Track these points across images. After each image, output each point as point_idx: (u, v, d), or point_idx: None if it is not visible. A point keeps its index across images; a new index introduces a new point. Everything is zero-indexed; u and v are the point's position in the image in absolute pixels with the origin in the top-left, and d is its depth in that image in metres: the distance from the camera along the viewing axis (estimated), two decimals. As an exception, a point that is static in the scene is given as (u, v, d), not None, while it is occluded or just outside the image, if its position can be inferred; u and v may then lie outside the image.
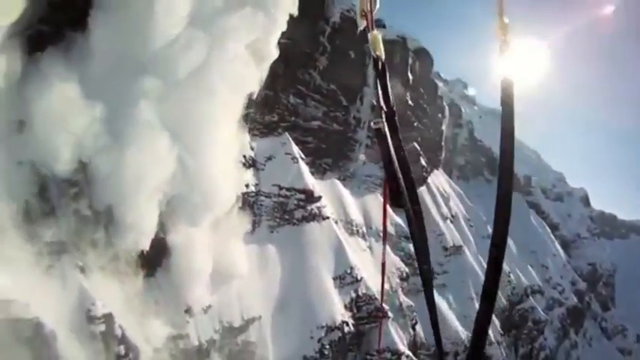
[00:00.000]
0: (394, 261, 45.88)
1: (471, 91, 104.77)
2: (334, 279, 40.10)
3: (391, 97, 2.50)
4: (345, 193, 46.97)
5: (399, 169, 2.27)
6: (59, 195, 27.74)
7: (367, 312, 40.44)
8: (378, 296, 41.07)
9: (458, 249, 55.72)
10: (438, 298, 49.05)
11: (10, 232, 25.15)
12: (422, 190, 56.20)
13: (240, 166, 37.96)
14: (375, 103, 2.50)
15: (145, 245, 29.94)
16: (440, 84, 74.26)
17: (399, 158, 2.31)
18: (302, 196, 41.83)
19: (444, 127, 66.07)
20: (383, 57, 2.58)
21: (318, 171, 46.04)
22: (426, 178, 57.92)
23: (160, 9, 28.19)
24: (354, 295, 39.64)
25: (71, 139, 26.67)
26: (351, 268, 40.51)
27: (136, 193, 28.53)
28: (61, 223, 27.69)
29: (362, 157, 49.36)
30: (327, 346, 36.37)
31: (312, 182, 42.71)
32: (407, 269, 46.15)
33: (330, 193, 45.31)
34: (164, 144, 29.22)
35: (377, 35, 2.58)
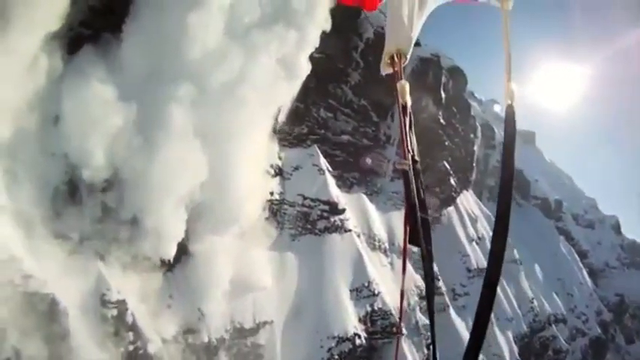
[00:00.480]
0: (414, 279, 45.64)
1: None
2: (351, 291, 40.27)
3: (415, 144, 2.66)
4: (371, 208, 47.09)
5: (418, 211, 2.49)
6: (88, 188, 28.74)
7: (381, 327, 40.43)
8: (394, 312, 41.10)
9: (482, 271, 54.92)
10: (457, 320, 48.58)
11: (37, 216, 26.34)
12: (450, 210, 55.86)
13: (268, 177, 38.60)
14: (402, 147, 2.66)
15: (169, 254, 30.72)
16: (473, 104, 73.66)
17: (419, 200, 2.51)
18: (326, 208, 42.21)
19: (475, 148, 65.39)
20: (409, 104, 2.72)
21: (345, 184, 46.33)
22: (455, 198, 57.45)
23: (194, 20, 28.96)
24: (369, 309, 39.69)
25: (103, 138, 27.61)
26: (369, 281, 40.62)
27: (163, 198, 29.28)
28: (86, 213, 28.78)
29: (390, 173, 49.40)
30: (337, 357, 36.53)
31: (337, 194, 43.02)
32: (426, 288, 45.77)
33: (356, 207, 45.51)
34: (194, 151, 29.81)
35: (405, 84, 2.73)
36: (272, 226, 39.37)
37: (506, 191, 2.26)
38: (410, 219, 2.55)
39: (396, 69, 2.81)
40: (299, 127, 42.78)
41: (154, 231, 29.44)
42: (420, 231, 2.52)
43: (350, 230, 42.82)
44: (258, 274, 36.06)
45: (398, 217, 47.35)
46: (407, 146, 2.63)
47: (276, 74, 33.31)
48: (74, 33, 28.27)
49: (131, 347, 29.63)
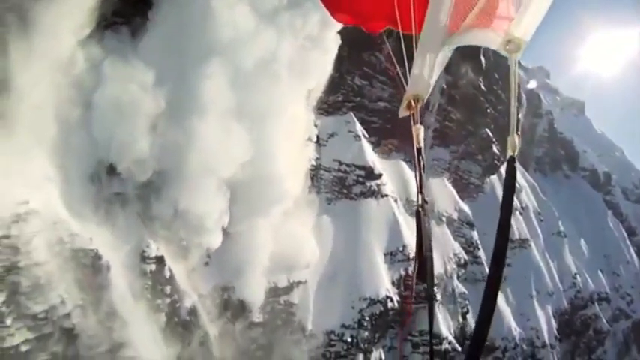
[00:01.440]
0: (453, 247, 45.12)
1: (553, 81, 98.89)
2: (385, 254, 40.24)
3: (427, 185, 2.80)
4: (410, 174, 46.48)
5: (427, 249, 2.63)
6: (126, 175, 29.54)
7: (415, 292, 40.32)
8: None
9: (524, 242, 53.72)
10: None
11: (81, 180, 27.71)
12: (493, 178, 54.37)
13: (307, 150, 38.40)
14: (416, 190, 2.85)
15: (213, 245, 31.50)
16: (519, 71, 70.89)
17: (428, 238, 2.67)
18: (362, 173, 42.04)
19: (520, 116, 63.31)
20: (423, 148, 2.89)
21: (384, 151, 45.88)
22: (498, 166, 55.94)
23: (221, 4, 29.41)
24: (403, 272, 39.53)
25: (141, 124, 28.27)
26: (404, 246, 40.37)
27: (204, 183, 29.75)
28: (128, 183, 29.81)
29: (429, 140, 48.53)
30: (367, 318, 36.70)
31: (372, 160, 42.71)
32: (466, 256, 45.17)
33: (394, 173, 45.06)
34: (232, 131, 29.94)
35: (420, 129, 2.90)
36: (312, 195, 39.49)
37: (503, 240, 2.29)
38: (419, 256, 2.69)
39: (412, 112, 2.98)
40: (334, 96, 42.39)
41: (197, 220, 30.21)
42: (427, 269, 2.64)
43: (387, 195, 42.51)
44: (302, 253, 36.33)
45: (438, 184, 46.63)
46: (420, 188, 2.81)
47: (306, 50, 32.97)
48: (108, 22, 29.34)
49: (168, 300, 30.89)
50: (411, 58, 3.19)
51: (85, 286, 26.88)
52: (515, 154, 2.53)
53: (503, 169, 55.30)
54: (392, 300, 38.71)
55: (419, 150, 2.91)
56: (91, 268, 27.17)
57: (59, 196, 26.48)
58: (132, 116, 28.21)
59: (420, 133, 2.91)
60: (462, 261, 44.86)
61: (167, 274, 30.84)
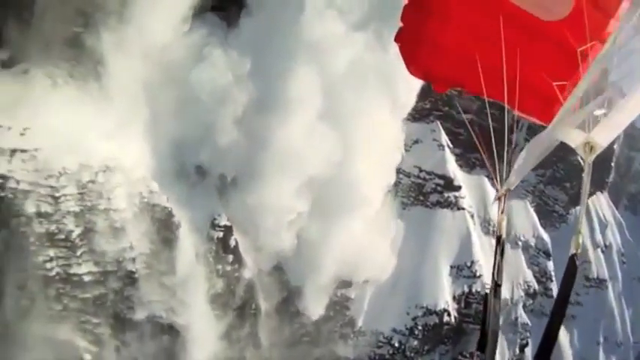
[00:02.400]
0: (524, 274, 42.67)
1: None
2: (452, 267, 39.09)
3: (502, 271, 2.94)
4: (491, 192, 44.49)
5: (492, 326, 2.83)
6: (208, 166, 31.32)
7: (475, 311, 38.67)
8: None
9: (601, 283, 49.28)
10: (562, 331, 44.57)
11: (168, 149, 29.79)
12: (579, 209, 50.63)
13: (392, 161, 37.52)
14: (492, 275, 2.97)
15: (286, 249, 32.08)
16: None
17: (495, 316, 2.85)
18: (440, 182, 40.95)
19: (616, 147, 58.17)
20: (504, 237, 3.03)
21: (467, 164, 44.25)
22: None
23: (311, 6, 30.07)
24: (466, 289, 38.08)
25: (228, 110, 29.53)
26: (472, 262, 38.88)
27: (283, 179, 30.17)
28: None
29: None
30: (420, 327, 35.80)
31: (453, 170, 41.42)
32: (537, 286, 42.49)
33: (475, 188, 43.34)
34: (318, 132, 30.31)
35: (503, 220, 3.08)
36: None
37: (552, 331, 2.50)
38: (482, 329, 2.90)
39: (501, 204, 3.25)
40: (422, 102, 41.34)
41: (271, 217, 31.00)
42: (489, 344, 2.87)
43: (463, 208, 41.11)
44: (376, 267, 35.78)
45: (519, 206, 44.11)
46: (496, 272, 2.93)
47: (393, 59, 32.60)
48: (205, 9, 31.02)
49: (229, 267, 32.25)
50: (499, 140, 3.61)
51: (154, 238, 28.88)
52: (579, 251, 2.56)
53: (591, 202, 51.54)
54: (449, 314, 37.45)
55: (499, 238, 3.03)
56: (162, 222, 29.35)
57: (146, 158, 28.74)
58: (222, 103, 29.54)
59: (503, 222, 3.06)
60: (532, 290, 42.27)
61: (232, 243, 32.22)
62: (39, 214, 25.17)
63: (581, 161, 2.91)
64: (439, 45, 3.84)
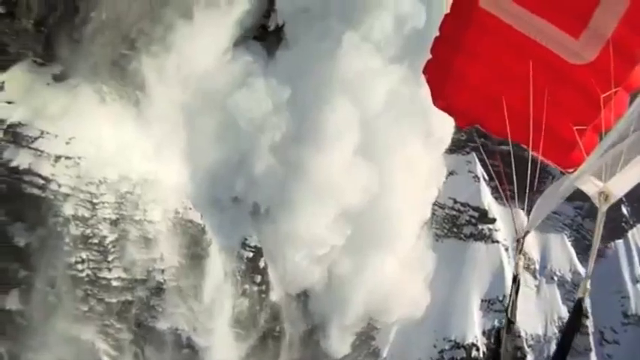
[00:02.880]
0: (559, 310, 41.01)
1: None
2: (482, 301, 38.17)
3: (517, 309, 3.19)
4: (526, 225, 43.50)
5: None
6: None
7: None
8: (525, 336, 37.93)
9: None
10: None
11: (205, 172, 30.80)
12: (618, 243, 48.32)
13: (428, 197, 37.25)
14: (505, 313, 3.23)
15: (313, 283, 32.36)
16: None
17: (506, 352, 3.06)
18: (475, 214, 40.40)
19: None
20: (520, 277, 3.22)
21: (503, 197, 43.70)
22: (626, 230, 49.43)
23: (347, 42, 30.77)
24: (497, 324, 36.87)
25: (266, 139, 30.38)
26: (505, 296, 37.62)
27: (317, 210, 30.25)
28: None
29: None
30: (446, 360, 34.80)
31: (488, 203, 40.77)
32: (573, 324, 40.73)
33: (510, 222, 42.47)
34: (353, 164, 30.52)
35: (520, 260, 3.26)
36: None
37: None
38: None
39: (519, 245, 3.39)
40: (458, 134, 41.27)
41: (303, 248, 31.14)
42: None
43: (497, 242, 40.30)
44: (409, 303, 34.86)
45: (556, 240, 42.72)
46: (509, 310, 3.18)
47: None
48: (247, 37, 32.47)
49: (255, 288, 32.43)
50: (521, 177, 3.87)
51: (185, 252, 29.71)
52: (585, 296, 2.73)
53: (630, 234, 49.12)
54: (477, 349, 36.25)
55: (515, 277, 3.23)
56: (194, 238, 30.14)
57: (183, 179, 29.88)
58: (260, 131, 30.32)
59: (520, 262, 3.24)
60: (563, 326, 40.43)
61: (261, 265, 32.47)
62: (76, 217, 26.41)
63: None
64: (465, 80, 3.85)
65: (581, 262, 42.14)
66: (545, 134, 3.35)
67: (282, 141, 30.25)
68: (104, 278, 27.40)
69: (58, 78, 27.15)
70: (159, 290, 28.69)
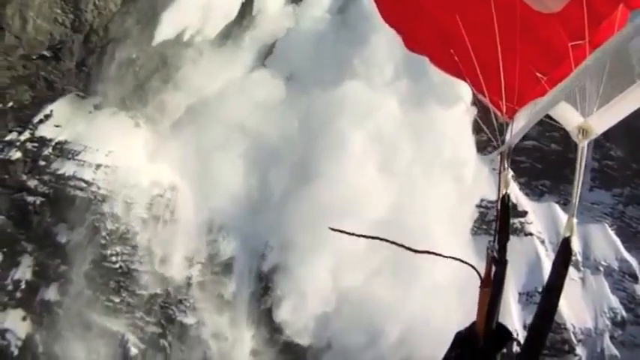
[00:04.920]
0: (609, 300, 38.03)
1: None
2: (520, 294, 36.80)
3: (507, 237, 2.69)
4: (564, 217, 41.70)
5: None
6: None
7: (550, 341, 35.02)
8: (571, 328, 35.53)
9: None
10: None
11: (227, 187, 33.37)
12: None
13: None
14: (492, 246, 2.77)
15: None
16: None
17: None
18: (504, 209, 39.89)
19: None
20: (510, 194, 2.87)
21: (534, 193, 42.48)
22: None
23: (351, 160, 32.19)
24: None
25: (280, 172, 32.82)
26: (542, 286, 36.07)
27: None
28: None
29: (587, 181, 43.11)
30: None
31: (517, 196, 40.12)
32: (625, 314, 37.39)
33: (545, 216, 41.00)
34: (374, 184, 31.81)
35: (508, 175, 2.92)
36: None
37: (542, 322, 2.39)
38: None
39: (503, 160, 3.03)
40: (478, 135, 41.81)
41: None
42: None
43: (531, 234, 39.02)
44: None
45: (597, 230, 40.26)
46: (500, 236, 2.80)
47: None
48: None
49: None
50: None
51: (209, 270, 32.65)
52: (573, 235, 2.53)
53: None
54: (518, 343, 34.44)
55: (503, 197, 2.86)
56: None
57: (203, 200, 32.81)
58: (274, 163, 32.86)
59: (509, 180, 2.89)
60: (619, 319, 37.10)
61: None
62: (112, 215, 30.72)
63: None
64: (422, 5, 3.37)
65: (627, 250, 39.32)
66: (493, 73, 2.97)
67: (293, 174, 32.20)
68: (136, 270, 30.65)
69: (98, 107, 32.57)
70: (188, 285, 31.27)
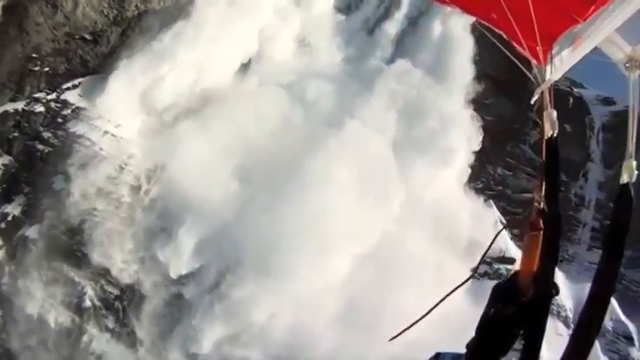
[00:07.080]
0: (600, 361, 33.71)
1: None
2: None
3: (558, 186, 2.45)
4: (559, 275, 38.87)
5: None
6: None
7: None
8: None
9: None
10: None
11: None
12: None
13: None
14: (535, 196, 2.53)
15: None
16: None
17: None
18: (491, 255, 38.31)
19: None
20: (556, 134, 2.48)
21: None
22: None
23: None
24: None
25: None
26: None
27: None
28: None
29: (586, 240, 40.54)
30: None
31: (505, 243, 38.63)
32: (618, 377, 32.72)
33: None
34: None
35: (553, 115, 2.56)
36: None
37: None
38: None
39: (545, 99, 2.72)
40: (473, 183, 41.84)
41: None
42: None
43: (521, 283, 36.73)
44: None
45: (591, 291, 36.67)
46: (541, 197, 2.62)
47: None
48: None
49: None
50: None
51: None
52: (632, 180, 2.19)
53: None
54: None
55: (549, 140, 2.48)
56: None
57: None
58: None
59: (553, 117, 2.50)
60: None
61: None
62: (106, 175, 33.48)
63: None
64: None
65: (624, 312, 35.49)
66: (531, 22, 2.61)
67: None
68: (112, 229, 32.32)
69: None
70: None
